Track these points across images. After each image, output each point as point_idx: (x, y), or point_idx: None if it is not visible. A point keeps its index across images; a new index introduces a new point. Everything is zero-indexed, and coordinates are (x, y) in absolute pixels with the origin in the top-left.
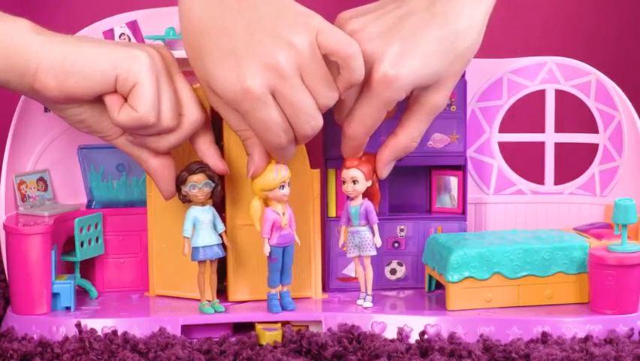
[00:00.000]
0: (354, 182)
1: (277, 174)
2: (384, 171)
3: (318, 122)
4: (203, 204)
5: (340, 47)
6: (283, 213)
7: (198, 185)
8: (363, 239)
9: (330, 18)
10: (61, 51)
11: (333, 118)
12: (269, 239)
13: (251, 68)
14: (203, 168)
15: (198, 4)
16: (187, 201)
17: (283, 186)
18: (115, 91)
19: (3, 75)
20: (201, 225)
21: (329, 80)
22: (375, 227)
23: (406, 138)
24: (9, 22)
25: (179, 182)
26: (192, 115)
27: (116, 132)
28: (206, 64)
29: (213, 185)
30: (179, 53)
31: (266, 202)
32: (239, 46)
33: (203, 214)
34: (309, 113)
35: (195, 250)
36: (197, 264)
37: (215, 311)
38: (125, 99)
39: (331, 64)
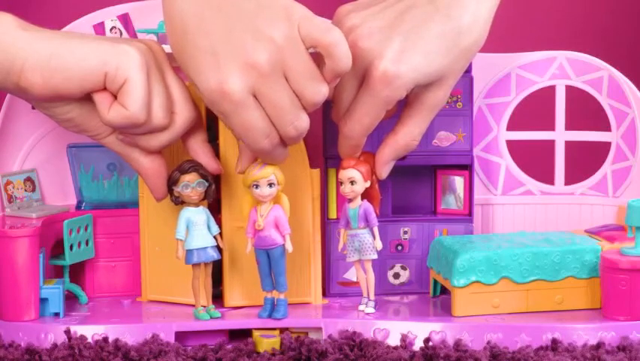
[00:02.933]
0: (352, 183)
1: (250, 171)
2: (384, 171)
3: (302, 122)
4: (196, 205)
5: (321, 36)
6: (261, 215)
7: (191, 185)
8: (363, 242)
9: (330, 15)
10: (47, 47)
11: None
12: (252, 239)
13: (230, 70)
14: (195, 166)
15: (181, 1)
16: (180, 202)
17: (257, 186)
18: (104, 88)
19: None
20: (195, 226)
21: (314, 74)
22: (376, 230)
23: (407, 136)
24: None
25: (171, 182)
26: (184, 113)
27: (106, 131)
28: (188, 64)
29: (207, 184)
30: None
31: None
32: (218, 46)
33: (197, 215)
34: (292, 113)
35: (189, 252)
36: (192, 268)
37: (211, 317)
38: (115, 97)
39: (320, 57)
